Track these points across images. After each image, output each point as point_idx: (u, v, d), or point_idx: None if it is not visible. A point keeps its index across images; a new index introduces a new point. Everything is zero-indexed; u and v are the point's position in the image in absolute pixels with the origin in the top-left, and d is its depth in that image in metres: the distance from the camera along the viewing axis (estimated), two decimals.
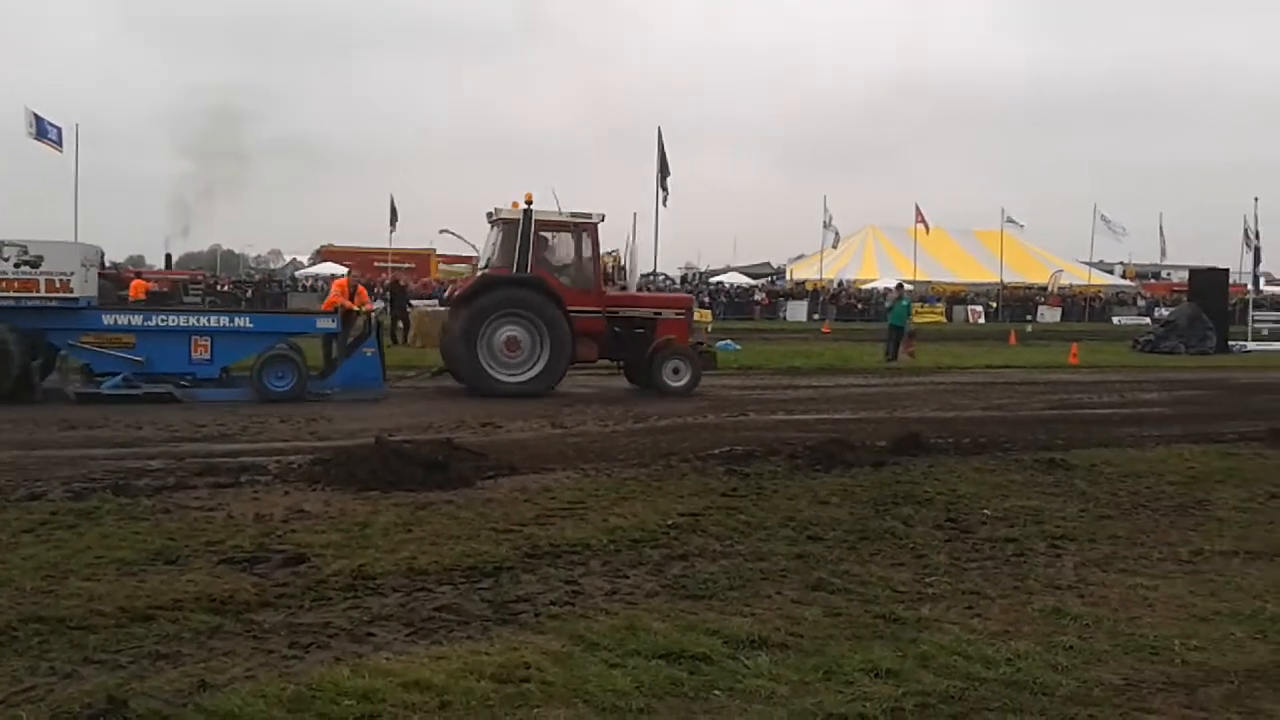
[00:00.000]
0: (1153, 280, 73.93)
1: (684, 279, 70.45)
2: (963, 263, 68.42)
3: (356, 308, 17.48)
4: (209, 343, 15.76)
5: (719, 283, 65.18)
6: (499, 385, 16.59)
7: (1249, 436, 12.80)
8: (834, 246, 61.50)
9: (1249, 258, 40.61)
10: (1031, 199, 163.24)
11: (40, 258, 14.96)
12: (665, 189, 29.03)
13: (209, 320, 16.57)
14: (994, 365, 25.64)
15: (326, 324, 16.86)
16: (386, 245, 56.16)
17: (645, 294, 21.32)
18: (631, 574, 6.57)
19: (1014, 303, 60.33)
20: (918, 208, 56.75)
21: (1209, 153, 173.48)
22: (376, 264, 57.15)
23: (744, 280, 68.03)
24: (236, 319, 16.83)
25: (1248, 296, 40.49)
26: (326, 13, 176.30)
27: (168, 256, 58.78)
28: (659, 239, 28.95)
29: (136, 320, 15.81)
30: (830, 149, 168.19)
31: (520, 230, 16.93)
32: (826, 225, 57.29)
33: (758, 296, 59.44)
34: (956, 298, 60.72)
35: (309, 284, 56.84)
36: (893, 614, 5.84)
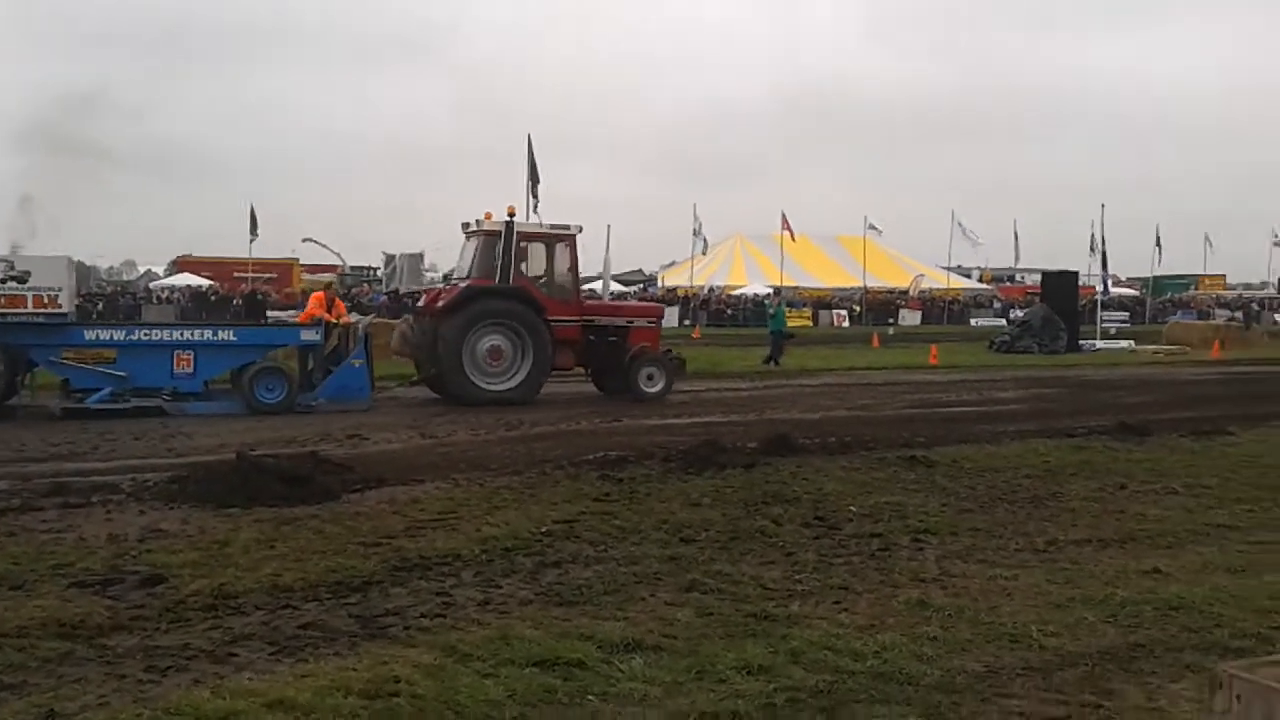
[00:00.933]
0: (1008, 283, 76.71)
1: None
2: (827, 268, 69.95)
3: (334, 320, 17.22)
4: (191, 356, 15.62)
5: (592, 290, 65.23)
6: (483, 394, 16.75)
7: (1098, 430, 13.36)
8: (703, 254, 62.18)
9: (1096, 261, 42.58)
10: (894, 207, 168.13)
11: (28, 273, 14.75)
12: (536, 196, 28.92)
13: (192, 334, 16.43)
14: (858, 367, 26.25)
15: (311, 336, 16.63)
16: (246, 255, 54.57)
17: (619, 303, 21.81)
18: (504, 583, 6.50)
19: (877, 306, 61.91)
20: (784, 215, 57.81)
21: (1060, 163, 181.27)
22: (236, 274, 55.48)
23: (616, 287, 68.20)
24: (220, 332, 16.78)
25: (1096, 297, 42.35)
26: (192, 14, 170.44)
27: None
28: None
29: (119, 335, 15.68)
30: (700, 158, 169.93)
31: (502, 242, 17.23)
32: (696, 233, 57.88)
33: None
34: (822, 302, 62.03)
35: (164, 296, 54.68)
36: (764, 612, 5.91)
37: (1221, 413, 15.64)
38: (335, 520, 8.04)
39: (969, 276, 76.74)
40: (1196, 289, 75.49)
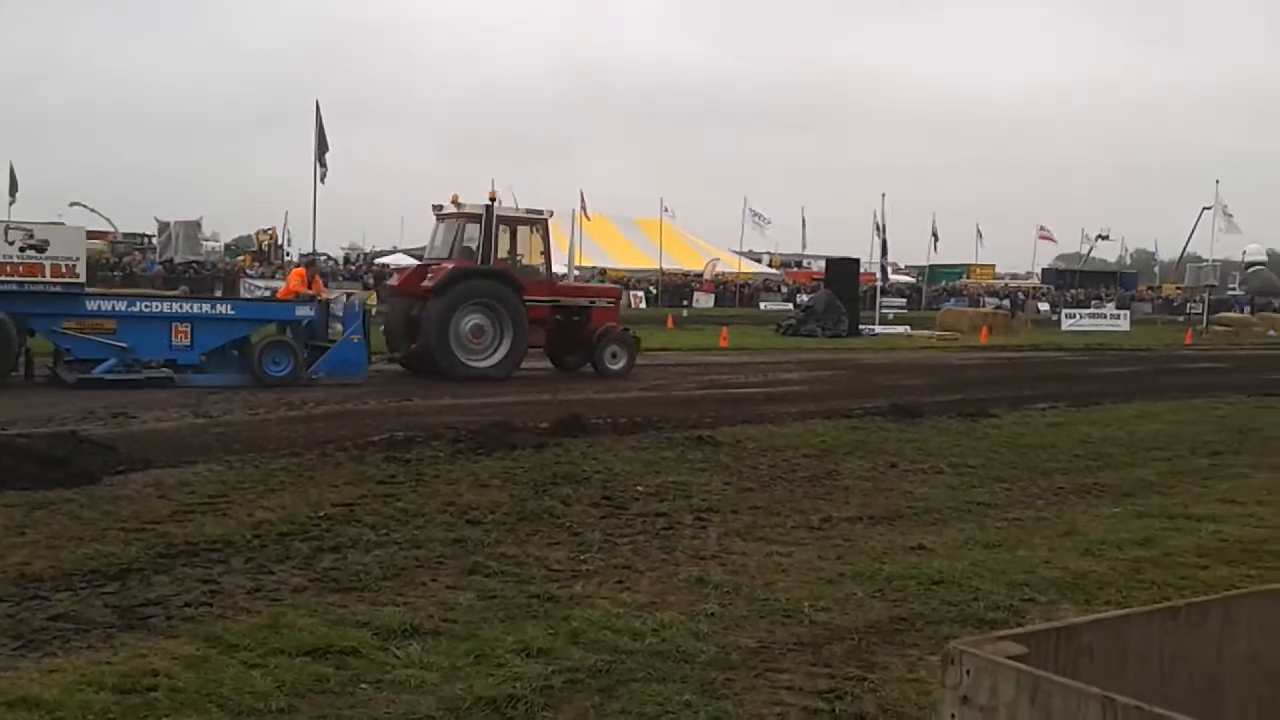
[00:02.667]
0: (795, 269, 79.45)
1: (347, 259, 68.30)
2: (625, 250, 70.67)
3: (314, 295, 17.79)
4: (189, 329, 15.78)
5: (385, 264, 63.68)
6: (468, 370, 17.39)
7: (873, 411, 13.98)
8: None
9: (878, 248, 44.61)
10: (690, 192, 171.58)
11: (46, 242, 14.76)
12: (324, 165, 27.93)
13: (191, 307, 16.73)
14: (652, 348, 26.54)
15: (305, 311, 16.97)
16: (4, 218, 50.58)
17: (583, 285, 23.02)
18: (277, 569, 6.25)
19: (672, 288, 63.02)
20: (581, 195, 58.05)
21: (845, 153, 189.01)
22: None
23: (411, 261, 66.75)
24: (218, 306, 17.30)
25: (876, 284, 44.37)
26: None
27: None
28: (318, 218, 27.81)
29: (120, 306, 15.71)
30: (500, 134, 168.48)
31: (483, 225, 18.11)
32: None
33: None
34: (619, 283, 62.65)
35: None
36: (546, 593, 5.89)
37: (987, 395, 16.65)
38: (94, 504, 7.55)
39: (759, 261, 79.03)
40: (968, 278, 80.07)
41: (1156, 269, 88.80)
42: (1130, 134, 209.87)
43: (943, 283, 74.38)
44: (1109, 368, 24.98)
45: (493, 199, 18.58)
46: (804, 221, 71.60)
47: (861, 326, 36.07)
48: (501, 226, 18.50)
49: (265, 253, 60.17)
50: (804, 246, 74.39)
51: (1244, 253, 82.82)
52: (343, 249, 74.52)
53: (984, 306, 53.39)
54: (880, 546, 7.21)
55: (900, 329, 38.18)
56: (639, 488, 8.75)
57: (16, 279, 14.56)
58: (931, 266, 69.54)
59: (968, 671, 1.45)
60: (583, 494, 8.46)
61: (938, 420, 13.43)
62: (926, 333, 36.70)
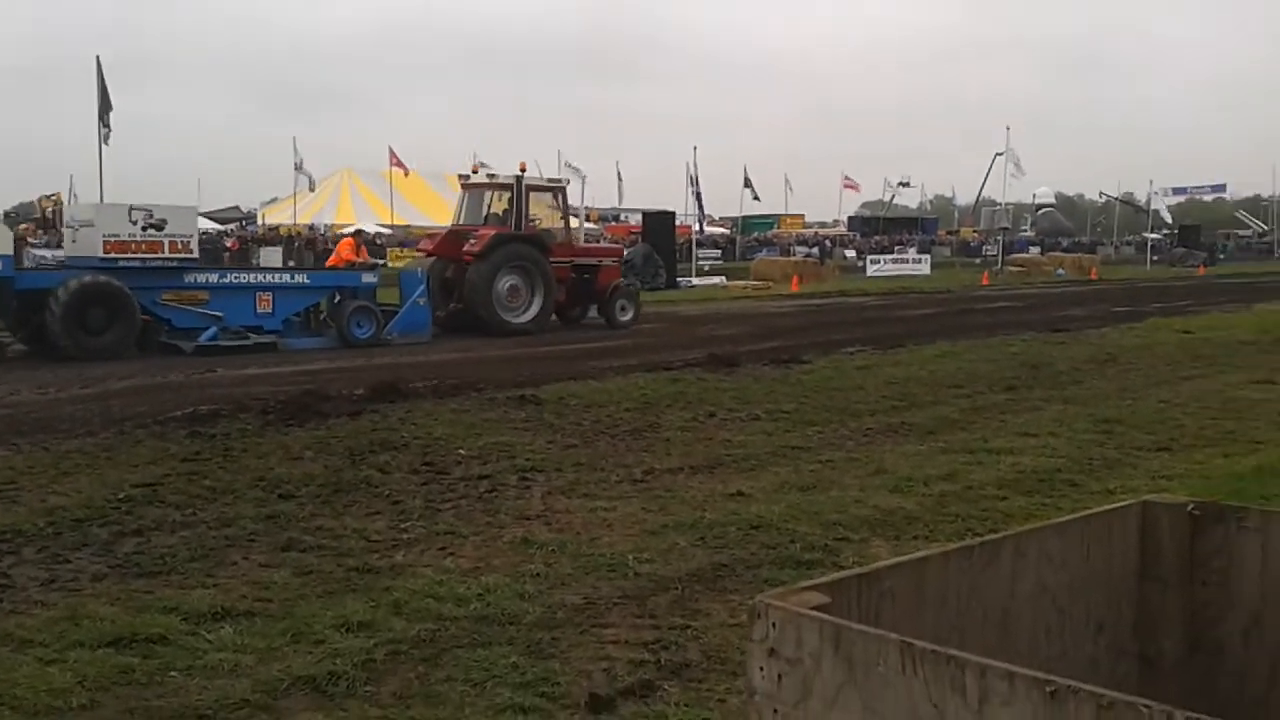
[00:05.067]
0: (613, 222, 79.69)
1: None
2: (439, 207, 69.18)
3: (360, 262, 20.16)
4: (271, 297, 17.20)
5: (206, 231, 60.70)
6: (508, 326, 19.07)
7: (692, 363, 14.18)
8: (310, 190, 59.54)
9: (693, 201, 45.17)
10: (504, 146, 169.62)
11: (164, 221, 16.10)
12: (107, 124, 26.22)
13: (271, 277, 18.27)
14: None
15: (370, 279, 18.54)
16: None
17: (592, 245, 24.96)
18: (74, 558, 5.89)
19: None
20: (391, 150, 56.50)
21: (660, 104, 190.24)
22: None
23: (210, 225, 63.87)
24: (295, 275, 18.84)
25: (692, 236, 44.95)
26: None
27: None
28: (105, 180, 26.10)
29: (213, 278, 17.07)
30: (299, 88, 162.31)
31: (515, 193, 19.90)
32: (299, 168, 55.18)
33: (228, 242, 56.10)
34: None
35: None
36: (366, 565, 5.75)
37: (799, 342, 17.14)
38: None
39: (577, 215, 78.78)
40: (779, 228, 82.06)
41: (955, 214, 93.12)
42: (928, 85, 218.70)
43: (755, 233, 76.01)
44: (912, 310, 26.11)
45: (523, 169, 20.46)
46: (619, 175, 71.67)
47: (679, 279, 36.54)
48: (529, 193, 20.30)
49: (49, 219, 56.36)
50: (620, 200, 74.59)
51: (1034, 195, 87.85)
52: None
53: (795, 255, 54.84)
54: (701, 495, 7.33)
55: (716, 280, 38.85)
56: (460, 451, 8.63)
57: (140, 256, 15.85)
58: (744, 217, 70.88)
59: (774, 624, 1.46)
60: (402, 461, 8.28)
61: (754, 368, 13.74)
62: (741, 283, 37.47)
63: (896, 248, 60.47)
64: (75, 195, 50.29)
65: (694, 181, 44.30)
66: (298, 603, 5.17)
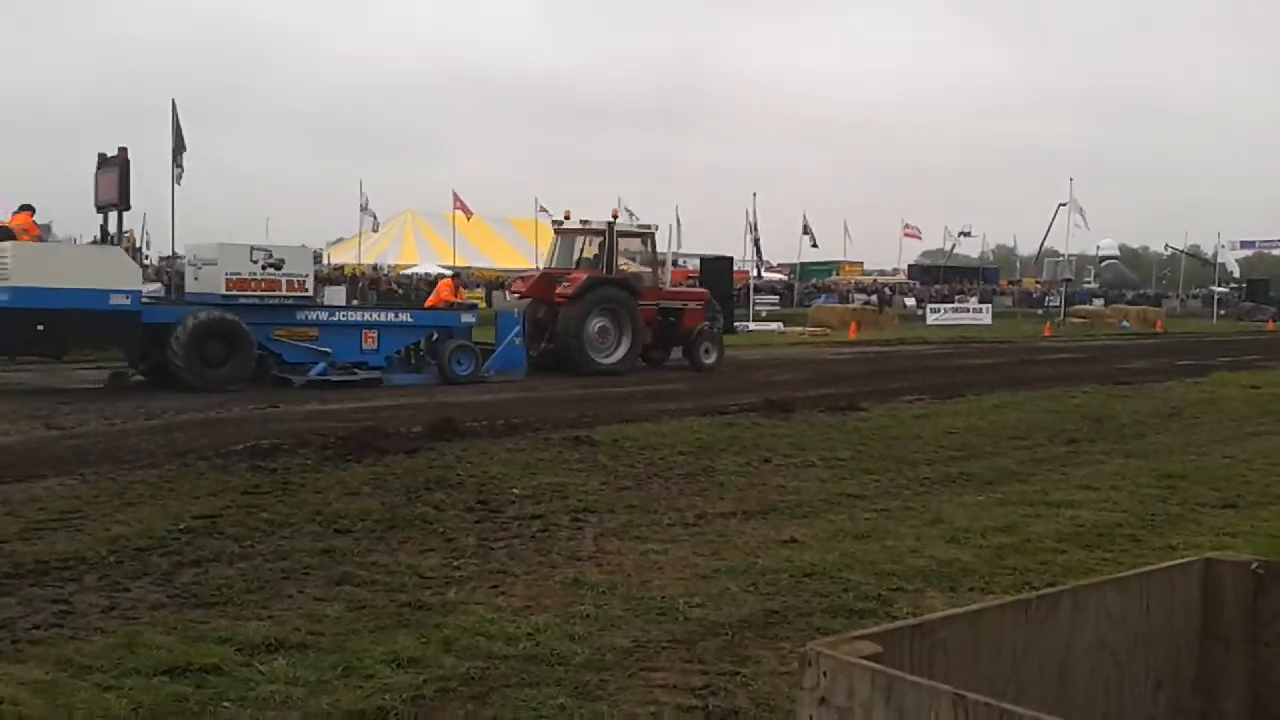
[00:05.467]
0: (673, 267, 79.91)
1: None
2: (500, 249, 70.19)
3: (459, 302, 20.80)
4: (376, 335, 17.96)
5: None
6: (597, 366, 19.82)
7: (748, 408, 14.15)
8: (374, 230, 60.57)
9: (751, 246, 45.27)
10: (563, 191, 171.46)
11: (283, 260, 16.99)
12: (180, 165, 26.94)
13: (376, 315, 18.94)
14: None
15: (469, 319, 19.38)
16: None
17: (678, 290, 25.53)
18: (134, 586, 5.98)
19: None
20: (455, 194, 57.33)
21: (715, 152, 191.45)
22: None
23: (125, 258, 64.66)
24: (399, 315, 19.39)
25: (750, 281, 45.02)
26: None
27: None
28: (176, 220, 26.83)
29: (323, 316, 17.77)
30: (366, 131, 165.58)
31: (606, 238, 20.72)
32: (364, 209, 56.20)
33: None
34: (496, 283, 62.16)
35: None
36: (418, 601, 5.78)
37: (856, 389, 17.02)
38: None
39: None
40: (837, 274, 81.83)
41: (1017, 264, 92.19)
42: (990, 135, 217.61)
43: (813, 280, 75.85)
44: (972, 360, 25.84)
45: (615, 216, 21.56)
46: (678, 220, 71.98)
47: (736, 324, 36.53)
48: (619, 239, 21.23)
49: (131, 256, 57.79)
50: (679, 245, 74.80)
51: (1098, 247, 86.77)
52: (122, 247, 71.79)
53: (853, 302, 54.60)
54: (754, 541, 7.28)
55: (773, 325, 38.83)
56: (514, 490, 8.66)
57: (259, 294, 16.69)
58: (803, 264, 70.80)
59: (824, 673, 1.44)
60: (456, 499, 8.33)
61: (809, 415, 13.66)
62: (798, 329, 37.41)
63: (957, 297, 60.02)
64: (148, 234, 51.54)
65: (753, 227, 44.42)
66: (349, 637, 5.20)
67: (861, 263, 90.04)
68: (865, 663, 1.42)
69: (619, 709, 4.42)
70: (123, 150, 16.94)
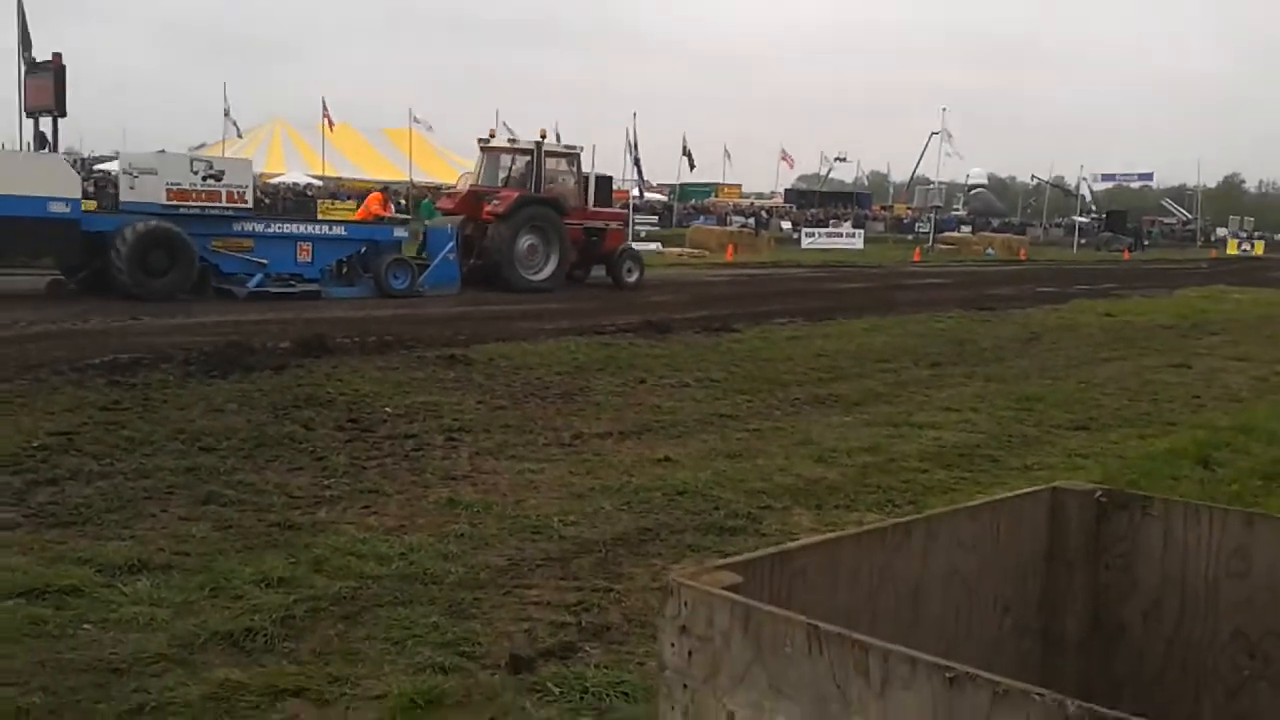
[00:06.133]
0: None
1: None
2: (373, 160, 68.22)
3: (389, 216, 21.51)
4: (311, 247, 18.11)
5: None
6: (526, 283, 20.20)
7: (625, 328, 14.22)
8: (239, 138, 58.29)
9: (632, 166, 45.06)
10: (443, 103, 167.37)
11: (223, 172, 17.30)
12: (30, 61, 25.28)
13: (311, 228, 19.10)
14: None
15: (402, 233, 19.83)
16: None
17: (600, 210, 24.94)
18: None
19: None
20: (324, 103, 55.46)
21: (600, 73, 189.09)
22: None
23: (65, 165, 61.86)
24: (334, 227, 19.82)
25: (630, 201, 44.85)
26: None
27: None
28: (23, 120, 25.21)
29: (259, 227, 17.92)
30: (225, 36, 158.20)
31: (534, 158, 21.21)
32: (227, 115, 54.00)
33: None
34: (367, 194, 60.64)
35: None
36: (288, 521, 5.70)
37: (731, 311, 17.24)
38: None
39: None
40: (716, 196, 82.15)
41: (890, 190, 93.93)
42: (867, 67, 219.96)
43: (692, 201, 76.04)
44: (843, 284, 26.38)
45: (543, 136, 21.89)
46: (558, 137, 71.14)
47: None
48: (547, 159, 21.49)
49: None
50: None
51: (967, 176, 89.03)
52: (63, 156, 68.29)
53: (731, 225, 54.99)
54: (628, 460, 7.36)
55: (653, 246, 38.81)
56: (387, 409, 8.57)
57: (200, 204, 16.83)
58: (682, 185, 70.84)
59: (685, 603, 1.48)
60: (326, 417, 8.19)
61: (685, 335, 13.81)
62: (677, 250, 37.50)
63: (831, 221, 60.94)
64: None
65: (633, 146, 44.19)
66: (216, 557, 5.11)
67: (740, 185, 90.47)
68: (724, 593, 1.45)
69: (492, 626, 4.46)
70: (57, 56, 16.96)
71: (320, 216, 33.29)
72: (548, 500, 6.33)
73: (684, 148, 54.38)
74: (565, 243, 21.18)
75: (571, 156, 22.93)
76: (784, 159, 73.62)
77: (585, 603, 4.77)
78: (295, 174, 60.35)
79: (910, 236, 58.71)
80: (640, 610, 4.70)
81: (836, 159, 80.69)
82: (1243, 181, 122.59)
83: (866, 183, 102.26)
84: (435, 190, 65.05)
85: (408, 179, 61.99)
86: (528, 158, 21.55)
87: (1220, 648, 1.93)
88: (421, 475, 6.79)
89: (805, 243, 46.51)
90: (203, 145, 70.99)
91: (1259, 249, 66.58)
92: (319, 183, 58.71)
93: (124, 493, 6.06)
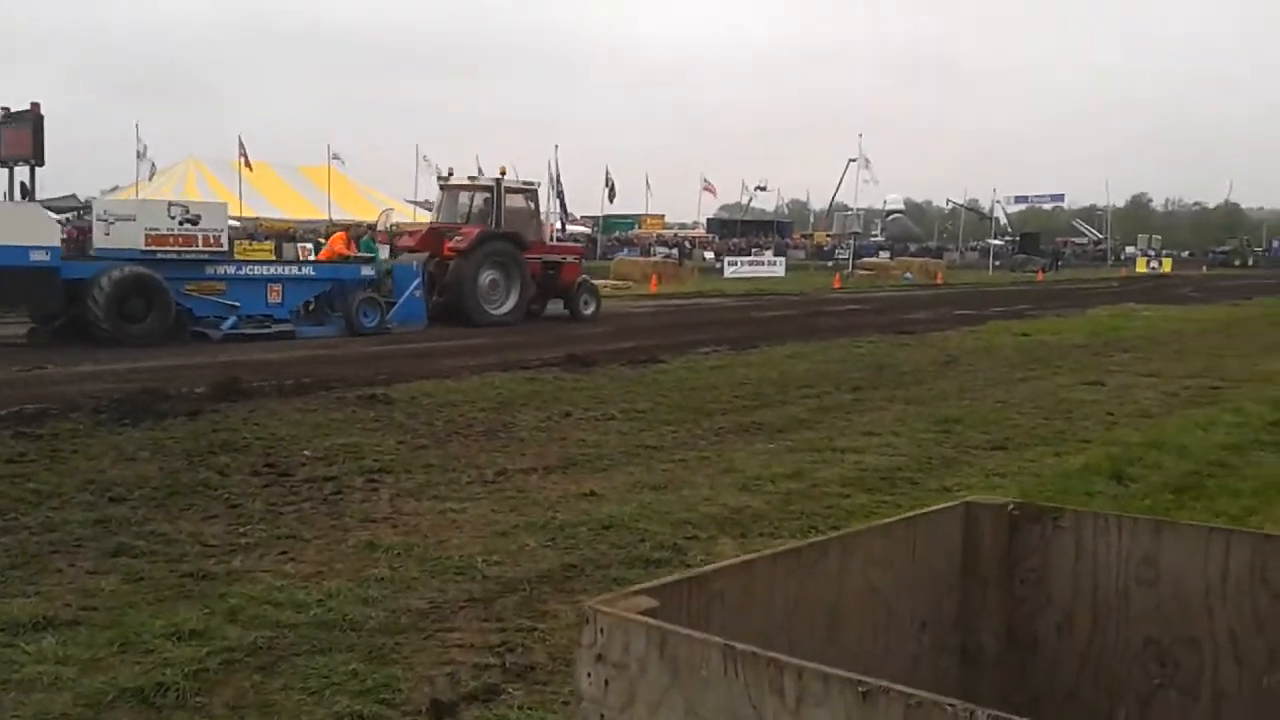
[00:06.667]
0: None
1: None
2: (290, 199, 67.39)
3: (354, 256, 20.51)
4: (281, 288, 18.26)
5: (64, 218, 57.50)
6: (488, 317, 20.46)
7: (550, 362, 14.13)
8: (149, 179, 57.22)
9: (555, 200, 45.11)
10: (359, 139, 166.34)
11: (199, 216, 17.52)
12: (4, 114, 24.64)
13: (280, 270, 19.31)
14: None
15: (369, 272, 19.68)
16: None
17: (558, 244, 26.42)
18: None
19: None
20: (240, 141, 54.77)
21: (516, 101, 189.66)
22: None
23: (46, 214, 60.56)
24: (303, 268, 20.17)
25: (554, 234, 44.87)
26: None
27: None
28: None
29: (230, 270, 18.00)
30: (139, 74, 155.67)
31: (495, 194, 21.69)
32: (141, 155, 53.01)
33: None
34: (285, 235, 59.80)
35: None
36: (201, 570, 5.53)
37: (656, 342, 17.27)
38: None
39: (430, 209, 77.70)
40: (640, 228, 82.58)
41: (810, 218, 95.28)
42: (785, 91, 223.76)
43: (616, 232, 76.33)
44: (766, 312, 26.63)
45: (503, 173, 22.69)
46: (480, 170, 71.02)
47: None
48: (507, 196, 21.91)
49: None
50: None
51: (885, 201, 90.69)
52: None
53: (654, 255, 55.27)
54: (554, 495, 7.30)
55: None
56: (305, 452, 8.40)
57: (178, 249, 17.02)
58: (605, 216, 71.12)
59: (601, 630, 1.44)
60: (242, 462, 8.00)
61: (610, 368, 13.78)
62: (601, 282, 37.50)
63: (753, 250, 61.58)
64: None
65: (556, 180, 44.25)
66: (126, 611, 4.93)
67: (664, 215, 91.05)
68: (640, 618, 1.42)
69: (413, 671, 4.36)
70: (35, 105, 17.03)
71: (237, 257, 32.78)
72: (471, 540, 6.23)
73: (607, 179, 54.62)
74: (526, 277, 21.51)
75: (529, 192, 23.54)
76: (706, 189, 74.30)
77: (509, 643, 4.68)
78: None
79: (830, 263, 59.50)
80: (565, 648, 4.62)
81: (757, 188, 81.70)
82: (1150, 200, 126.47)
83: (787, 211, 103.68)
84: (371, 228, 64.62)
85: (327, 218, 61.36)
86: (487, 194, 22.03)
87: (1133, 657, 1.94)
88: (341, 519, 6.65)
89: (728, 272, 46.87)
90: (115, 188, 69.69)
91: (1167, 266, 68.58)
92: (236, 223, 57.77)
93: (29, 548, 5.84)
